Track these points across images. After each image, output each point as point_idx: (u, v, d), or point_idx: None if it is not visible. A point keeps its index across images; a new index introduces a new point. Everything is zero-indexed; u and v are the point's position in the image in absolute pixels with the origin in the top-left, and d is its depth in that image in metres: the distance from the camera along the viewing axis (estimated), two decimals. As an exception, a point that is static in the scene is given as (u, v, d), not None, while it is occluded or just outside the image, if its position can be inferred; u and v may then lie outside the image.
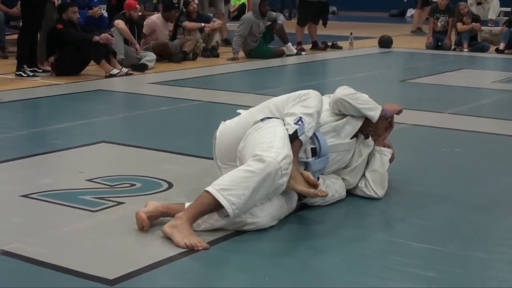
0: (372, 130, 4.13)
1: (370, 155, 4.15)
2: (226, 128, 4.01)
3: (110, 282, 2.89)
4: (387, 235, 3.57)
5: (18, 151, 5.11)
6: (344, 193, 4.05)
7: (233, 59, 11.22)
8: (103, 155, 5.06)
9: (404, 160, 4.65)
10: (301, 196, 3.80)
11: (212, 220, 3.47)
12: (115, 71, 8.95)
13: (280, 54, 11.61)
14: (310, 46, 12.92)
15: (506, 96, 8.02)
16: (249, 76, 9.91)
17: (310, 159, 3.82)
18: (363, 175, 4.11)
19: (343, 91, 4.03)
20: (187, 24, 11.38)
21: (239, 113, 4.07)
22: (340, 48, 13.14)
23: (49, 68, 9.10)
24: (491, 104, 7.58)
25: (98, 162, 4.80)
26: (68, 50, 8.85)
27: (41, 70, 9.05)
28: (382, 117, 4.07)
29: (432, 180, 4.49)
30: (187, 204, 3.50)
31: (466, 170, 4.78)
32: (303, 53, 12.12)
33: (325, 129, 3.93)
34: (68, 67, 8.95)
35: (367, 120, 4.06)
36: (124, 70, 9.11)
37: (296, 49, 12.18)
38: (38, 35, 9.20)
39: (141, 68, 9.67)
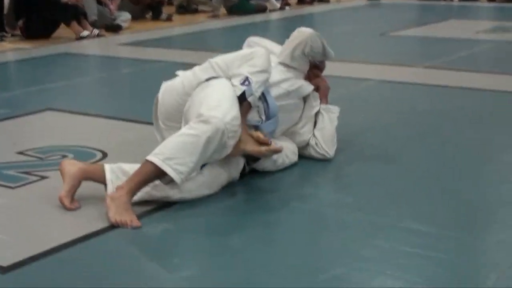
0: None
1: (317, 115, 3.93)
2: (168, 88, 3.68)
3: (3, 269, 2.64)
4: (331, 206, 3.28)
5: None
6: (295, 158, 3.81)
7: (214, 16, 10.92)
8: (43, 124, 4.78)
9: (361, 121, 4.38)
10: (250, 160, 3.56)
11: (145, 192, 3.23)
12: (85, 33, 8.65)
13: (262, 10, 11.28)
14: (297, 0, 12.61)
15: (487, 47, 7.70)
16: (227, 33, 9.60)
17: (258, 122, 3.56)
18: (313, 134, 3.89)
19: (311, 31, 3.86)
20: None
21: (178, 75, 3.80)
22: (327, 1, 12.80)
23: (19, 32, 8.83)
24: (470, 56, 7.20)
25: (36, 132, 4.53)
26: (36, 12, 8.56)
27: (9, 34, 8.77)
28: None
29: (387, 142, 4.20)
30: (106, 166, 3.25)
31: (425, 130, 4.48)
32: (286, 7, 11.78)
33: (278, 92, 3.70)
34: (37, 30, 8.67)
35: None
36: (95, 31, 8.81)
37: (281, 3, 11.85)
38: (5, -2, 8.93)
39: (115, 28, 9.37)
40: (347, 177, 3.68)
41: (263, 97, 3.60)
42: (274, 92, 3.69)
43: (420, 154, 3.98)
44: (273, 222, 3.11)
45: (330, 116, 3.94)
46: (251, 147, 3.37)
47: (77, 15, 8.75)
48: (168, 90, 3.67)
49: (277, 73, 3.73)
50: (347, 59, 6.83)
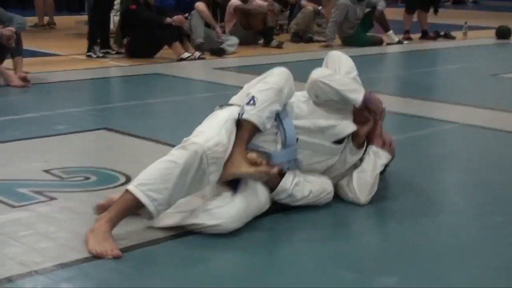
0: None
1: (365, 154, 3.57)
2: None
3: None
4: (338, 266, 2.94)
5: (22, 132, 4.81)
6: (324, 196, 3.41)
7: (327, 46, 10.62)
8: (88, 143, 4.67)
9: (419, 166, 3.99)
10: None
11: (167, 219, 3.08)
12: (185, 55, 8.59)
13: (378, 43, 10.86)
14: (420, 35, 12.10)
15: None
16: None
17: (273, 151, 3.28)
18: (351, 174, 3.53)
19: (319, 73, 3.48)
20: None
21: None
22: (453, 38, 12.20)
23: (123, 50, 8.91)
24: None
25: (75, 151, 4.40)
26: (141, 32, 8.58)
27: (114, 52, 8.85)
28: (366, 101, 3.48)
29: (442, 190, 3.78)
30: None
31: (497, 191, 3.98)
32: (405, 42, 11.30)
33: (305, 124, 3.37)
34: (141, 49, 8.68)
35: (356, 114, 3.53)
36: (196, 54, 8.73)
37: (403, 38, 11.42)
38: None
39: (219, 52, 9.26)
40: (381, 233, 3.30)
41: (280, 123, 3.29)
42: (302, 123, 3.36)
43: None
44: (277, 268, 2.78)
45: (375, 162, 3.55)
46: (241, 170, 3.10)
47: (180, 36, 8.72)
48: None
49: (318, 114, 3.42)
50: (438, 99, 6.43)
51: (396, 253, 2.97)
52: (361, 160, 3.58)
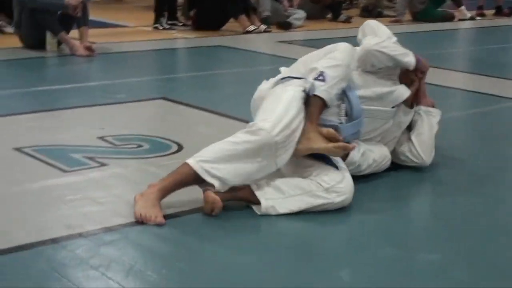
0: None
1: (416, 116, 3.59)
2: (262, 86, 3.49)
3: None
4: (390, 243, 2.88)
5: (83, 100, 4.90)
6: (385, 163, 3.45)
7: (397, 21, 10.45)
8: (146, 111, 4.72)
9: (477, 142, 3.88)
10: None
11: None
12: (251, 27, 8.58)
13: (449, 18, 10.63)
14: (494, 11, 11.79)
15: None
16: (406, 39, 8.98)
17: (338, 123, 3.24)
18: (409, 139, 3.55)
19: (370, 42, 3.41)
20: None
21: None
22: (528, 13, 11.85)
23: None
24: None
25: (131, 119, 4.45)
26: (207, 4, 8.60)
27: (181, 24, 8.90)
28: (416, 62, 3.45)
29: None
30: (253, 187, 3.00)
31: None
32: (477, 18, 11.02)
33: (365, 93, 3.34)
34: (207, 21, 8.70)
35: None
36: (262, 27, 8.71)
37: (476, 14, 11.14)
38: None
39: (285, 26, 9.21)
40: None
41: (345, 96, 3.27)
42: (362, 93, 3.33)
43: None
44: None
45: (430, 121, 3.58)
46: (317, 145, 3.05)
47: (246, 9, 8.69)
48: (262, 88, 3.47)
49: (374, 82, 3.39)
50: (507, 76, 6.25)
51: (442, 229, 2.91)
52: (410, 124, 3.57)
